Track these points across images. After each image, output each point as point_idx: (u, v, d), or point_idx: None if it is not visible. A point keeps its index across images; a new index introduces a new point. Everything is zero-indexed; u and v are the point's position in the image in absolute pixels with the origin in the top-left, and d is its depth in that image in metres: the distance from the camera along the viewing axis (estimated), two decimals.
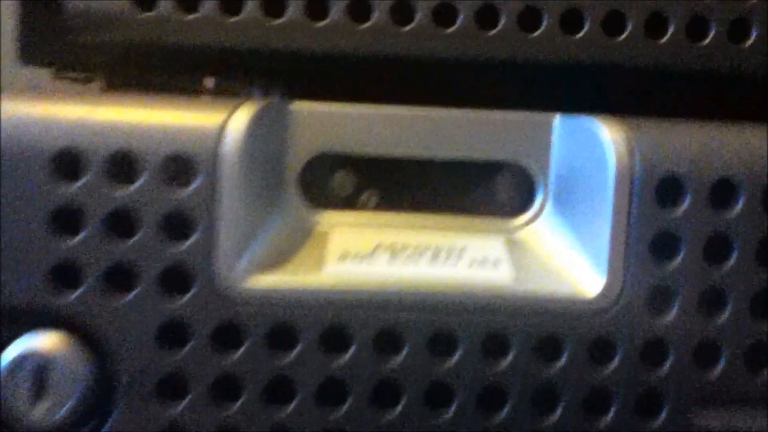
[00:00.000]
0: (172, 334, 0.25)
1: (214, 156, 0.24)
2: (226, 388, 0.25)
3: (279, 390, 0.25)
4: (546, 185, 0.28)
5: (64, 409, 0.24)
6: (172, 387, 0.25)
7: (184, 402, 0.25)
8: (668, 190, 0.25)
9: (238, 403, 0.25)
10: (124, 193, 0.24)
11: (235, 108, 0.24)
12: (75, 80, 0.36)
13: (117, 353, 0.24)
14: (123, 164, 0.24)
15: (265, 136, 0.26)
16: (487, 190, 0.28)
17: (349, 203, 0.28)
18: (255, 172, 0.25)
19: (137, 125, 0.24)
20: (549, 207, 0.28)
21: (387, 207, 0.28)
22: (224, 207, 0.24)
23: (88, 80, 0.37)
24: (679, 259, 0.25)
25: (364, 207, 0.28)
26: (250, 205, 0.25)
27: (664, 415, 0.26)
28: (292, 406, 0.25)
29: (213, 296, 0.24)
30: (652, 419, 0.26)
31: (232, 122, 0.24)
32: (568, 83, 0.29)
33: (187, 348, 0.24)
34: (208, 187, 0.24)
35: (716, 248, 0.25)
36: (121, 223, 0.24)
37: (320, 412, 0.25)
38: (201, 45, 0.28)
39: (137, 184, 0.23)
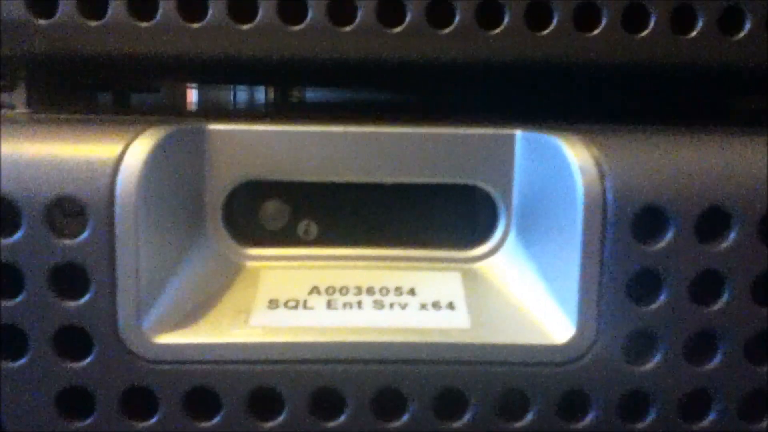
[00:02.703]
0: (77, 401, 0.21)
1: (108, 197, 0.20)
2: None
3: None
4: (508, 212, 0.24)
5: None
6: None
7: None
8: (647, 220, 0.21)
9: None
10: (4, 245, 0.20)
11: (134, 137, 0.21)
12: None
13: (13, 424, 0.21)
14: (4, 212, 0.20)
15: (176, 165, 0.22)
16: (441, 217, 0.25)
17: (284, 237, 0.24)
18: (164, 210, 0.21)
19: (14, 165, 0.20)
20: (512, 237, 0.24)
21: (327, 240, 0.24)
22: (124, 255, 0.20)
23: (9, 89, 0.33)
24: (661, 301, 0.21)
25: (301, 241, 0.24)
26: (160, 249, 0.21)
27: None
28: None
29: (118, 358, 0.21)
30: None
31: (129, 155, 0.20)
32: (533, 88, 0.25)
33: (92, 418, 0.21)
34: (101, 233, 0.20)
35: (705, 287, 0.21)
36: (7, 278, 0.20)
37: None
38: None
39: (17, 235, 0.20)
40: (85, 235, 0.20)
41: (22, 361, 0.21)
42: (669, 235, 0.21)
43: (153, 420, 0.21)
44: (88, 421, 0.21)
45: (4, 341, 0.21)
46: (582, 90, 0.27)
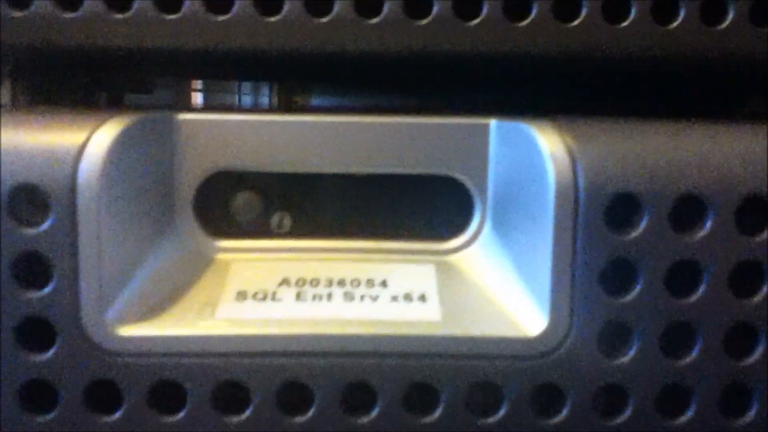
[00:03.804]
0: (40, 395, 0.21)
1: (70, 186, 0.20)
2: None
3: None
4: (483, 203, 0.23)
5: None
6: None
7: None
8: (621, 209, 0.20)
9: None
10: None
11: (98, 126, 0.20)
12: None
13: None
14: None
15: (143, 155, 0.22)
16: (416, 209, 0.24)
17: (257, 229, 0.24)
18: (130, 200, 0.21)
19: None
20: (487, 229, 0.23)
21: (300, 232, 0.24)
22: (87, 245, 0.20)
23: None
24: (636, 291, 0.21)
25: (274, 233, 0.24)
26: (126, 240, 0.21)
27: None
28: None
29: (81, 351, 0.20)
30: None
31: (92, 144, 0.20)
32: (508, 79, 0.25)
33: (55, 411, 0.21)
34: (64, 223, 0.20)
35: (681, 277, 0.21)
36: None
37: None
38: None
39: None
40: (46, 224, 0.20)
41: None
42: (643, 224, 0.20)
43: (117, 414, 0.21)
44: (52, 414, 0.21)
45: None
46: (561, 84, 0.26)
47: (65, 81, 0.36)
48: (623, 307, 0.21)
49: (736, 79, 0.28)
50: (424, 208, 0.24)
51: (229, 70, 0.33)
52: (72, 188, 0.20)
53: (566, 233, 0.20)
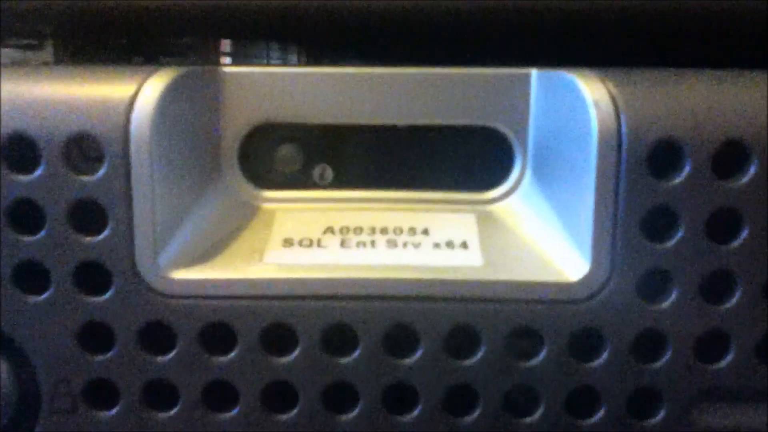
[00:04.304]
0: (96, 336, 0.22)
1: (123, 135, 0.20)
2: (158, 394, 0.22)
3: (218, 395, 0.22)
4: (524, 153, 0.24)
5: None
6: (99, 394, 0.22)
7: (113, 411, 0.22)
8: (663, 156, 0.20)
9: (174, 411, 0.22)
10: (23, 182, 0.20)
11: (147, 77, 0.21)
12: (23, 47, 0.34)
13: (37, 359, 0.22)
14: (23, 150, 0.21)
15: (190, 106, 0.22)
16: (456, 159, 0.24)
17: (300, 180, 0.24)
18: (179, 150, 0.22)
19: (32, 104, 0.20)
20: (527, 178, 0.24)
21: (342, 184, 0.24)
22: (140, 192, 0.21)
23: (37, 48, 0.34)
24: (677, 238, 0.21)
25: (316, 184, 0.24)
26: (176, 188, 0.22)
27: (660, 415, 0.22)
28: (235, 412, 0.22)
29: (136, 293, 0.21)
30: (647, 420, 0.22)
31: (143, 94, 0.21)
32: (544, 33, 0.25)
33: (112, 351, 0.22)
34: (118, 171, 0.20)
35: (722, 224, 0.21)
36: (27, 215, 0.21)
37: (266, 418, 0.22)
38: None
39: (37, 172, 0.20)
40: (101, 172, 0.20)
41: (44, 296, 0.21)
42: (685, 171, 0.20)
43: (170, 355, 0.22)
44: (109, 355, 0.22)
45: (26, 277, 0.21)
46: (589, 37, 0.26)
47: (104, 43, 0.36)
48: (664, 253, 0.21)
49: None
50: (465, 158, 0.25)
51: (257, 28, 0.33)
52: (125, 137, 0.20)
53: (609, 180, 0.21)
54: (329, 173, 0.24)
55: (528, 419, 0.22)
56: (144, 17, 0.25)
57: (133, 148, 0.20)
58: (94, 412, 0.22)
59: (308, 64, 0.30)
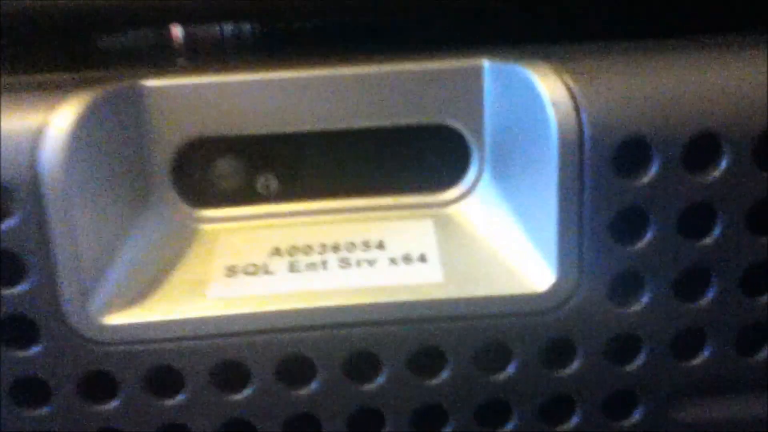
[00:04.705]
0: (35, 390, 0.20)
1: (31, 176, 0.18)
2: None
3: None
4: (481, 150, 0.22)
5: None
6: None
7: None
8: (629, 153, 0.19)
9: None
10: None
11: (54, 105, 0.18)
12: None
13: None
14: None
15: (110, 131, 0.20)
16: (409, 161, 0.23)
17: (242, 195, 0.22)
18: (101, 181, 0.20)
19: None
20: (485, 178, 0.22)
21: (288, 195, 0.22)
22: (59, 236, 0.18)
23: None
24: (648, 238, 0.19)
25: (260, 198, 0.22)
26: (102, 223, 0.20)
27: (638, 414, 0.21)
28: None
29: (68, 344, 0.19)
30: (625, 420, 0.21)
31: (50, 128, 0.18)
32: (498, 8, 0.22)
33: (51, 405, 0.20)
34: (31, 216, 0.18)
35: (695, 219, 0.19)
36: None
37: None
38: None
39: None
40: (13, 220, 0.18)
41: None
42: (654, 168, 0.19)
43: (114, 402, 0.20)
44: (48, 408, 0.20)
45: None
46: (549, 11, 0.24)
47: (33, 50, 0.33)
48: (635, 255, 0.20)
49: None
50: (418, 159, 0.23)
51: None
52: (33, 178, 0.18)
53: (572, 183, 0.19)
54: (274, 184, 0.22)
55: (503, 428, 0.21)
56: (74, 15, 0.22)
57: (44, 189, 0.18)
58: None
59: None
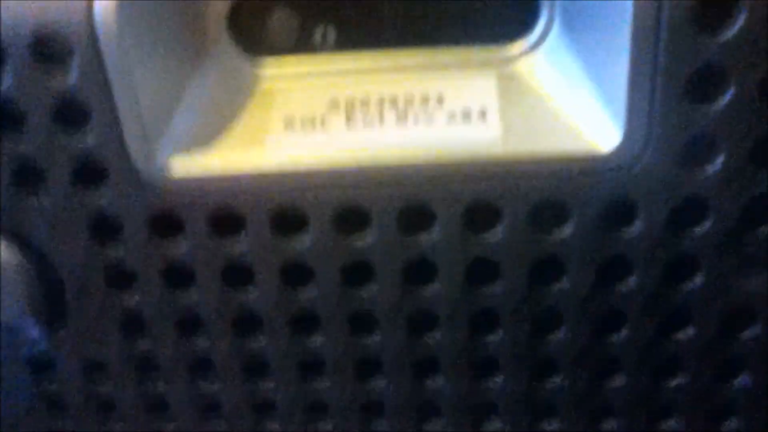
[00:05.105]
0: (109, 228, 0.21)
1: (88, 24, 0.18)
2: (178, 277, 0.22)
3: (236, 277, 0.22)
4: (551, 0, 0.20)
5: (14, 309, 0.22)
6: (119, 279, 0.22)
7: (137, 292, 0.22)
8: (711, 6, 0.17)
9: (195, 289, 0.22)
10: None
11: None
12: None
13: (53, 253, 0.22)
14: None
15: None
16: (473, 11, 0.21)
17: (299, 46, 0.22)
18: (158, 31, 0.19)
19: None
20: (555, 31, 0.20)
21: (345, 45, 0.22)
22: (119, 82, 0.19)
23: None
24: (726, 99, 0.18)
25: (317, 49, 0.22)
26: (160, 72, 0.20)
27: (698, 281, 0.21)
28: (255, 290, 0.22)
29: (135, 187, 0.20)
30: (684, 286, 0.21)
31: None
32: None
33: (123, 244, 0.21)
34: (89, 64, 0.19)
35: None
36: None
37: (285, 297, 0.22)
38: None
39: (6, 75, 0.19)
40: (72, 67, 0.19)
41: (47, 196, 0.21)
42: (738, 24, 0.17)
43: (182, 242, 0.21)
44: (120, 249, 0.22)
45: (25, 177, 0.21)
46: None
47: None
48: (710, 117, 0.18)
49: None
50: (484, 10, 0.21)
51: None
52: (90, 26, 0.18)
53: (647, 34, 0.17)
54: (332, 34, 0.22)
55: (556, 286, 0.21)
56: None
57: (101, 40, 0.18)
58: (117, 294, 0.22)
59: None
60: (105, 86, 0.19)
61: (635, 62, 0.18)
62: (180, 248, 0.21)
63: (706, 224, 0.20)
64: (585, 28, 0.19)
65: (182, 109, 0.20)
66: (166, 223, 0.21)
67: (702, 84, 0.18)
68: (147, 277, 0.22)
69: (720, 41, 0.17)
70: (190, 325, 0.23)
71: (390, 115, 0.20)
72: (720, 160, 0.19)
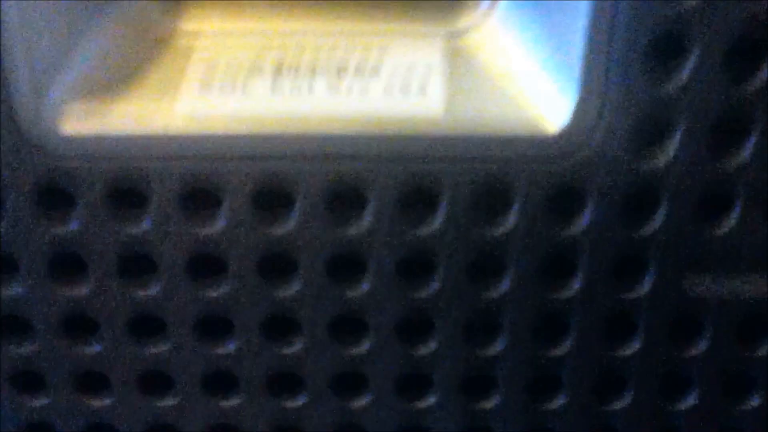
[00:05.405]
0: None
1: None
2: (65, 262, 0.19)
3: (135, 264, 0.19)
4: None
5: None
6: None
7: (16, 278, 0.19)
8: None
9: (89, 282, 0.19)
10: None
11: None
12: None
13: None
14: None
15: None
16: None
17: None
18: None
19: None
20: (505, 2, 0.19)
21: (278, 10, 0.19)
22: (7, 23, 0.16)
23: None
24: (684, 74, 0.17)
25: (248, 6, 0.19)
26: (59, 18, 0.17)
27: (648, 282, 0.19)
28: (157, 284, 0.19)
29: (20, 148, 0.17)
30: (633, 286, 0.19)
31: None
32: None
33: (4, 220, 0.18)
34: None
35: (742, 53, 0.17)
36: None
37: (192, 294, 0.19)
38: None
39: None
40: None
41: None
42: None
43: (71, 222, 0.18)
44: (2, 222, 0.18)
45: None
46: None
47: None
48: (669, 94, 0.17)
49: None
50: None
51: None
52: None
53: (604, 8, 0.16)
54: None
55: (497, 286, 0.19)
56: None
57: None
58: None
59: None
60: None
61: (591, 28, 0.16)
62: (70, 226, 0.18)
63: (658, 219, 0.18)
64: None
65: (81, 58, 0.18)
66: (54, 195, 0.18)
67: (661, 59, 0.17)
68: (30, 261, 0.19)
69: (683, 8, 0.16)
70: (78, 327, 0.20)
71: (321, 83, 0.18)
72: (674, 147, 0.18)
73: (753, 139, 0.17)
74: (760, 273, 0.19)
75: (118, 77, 0.18)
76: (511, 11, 0.19)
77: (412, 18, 0.20)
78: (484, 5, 0.19)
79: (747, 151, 0.18)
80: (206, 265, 0.19)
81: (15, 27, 0.16)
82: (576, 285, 0.19)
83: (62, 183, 0.18)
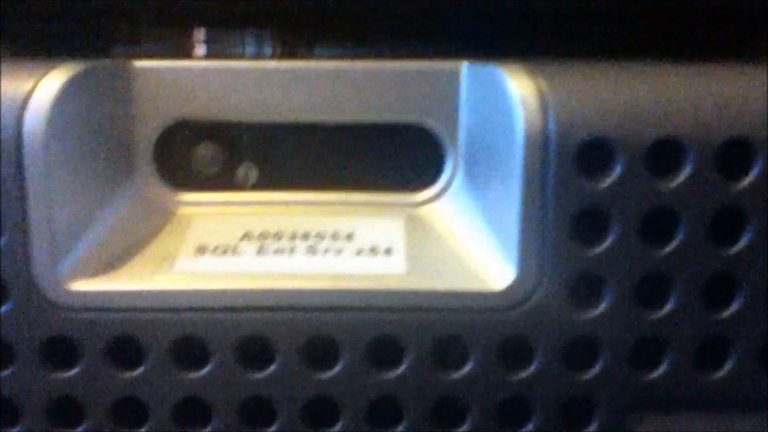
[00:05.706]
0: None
1: (15, 136, 0.19)
2: (64, 411, 0.21)
3: (128, 412, 0.21)
4: (455, 152, 0.22)
5: None
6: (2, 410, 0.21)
7: (17, 429, 0.21)
8: (593, 155, 0.19)
9: (80, 429, 0.21)
10: None
11: (45, 73, 0.19)
12: None
13: None
14: None
15: (96, 103, 0.21)
16: (385, 159, 0.23)
17: (221, 182, 0.23)
18: (83, 151, 0.20)
19: None
20: (459, 179, 0.22)
21: (266, 185, 0.23)
22: (36, 198, 0.19)
23: None
24: (609, 241, 0.20)
25: (238, 186, 0.23)
26: (79, 192, 0.20)
27: (594, 424, 0.21)
28: (143, 430, 0.21)
29: (34, 307, 0.20)
30: (581, 429, 0.21)
31: (38, 92, 0.19)
32: (476, 19, 0.23)
33: (12, 368, 0.20)
34: (11, 175, 0.19)
35: (657, 225, 0.20)
36: None
37: None
38: None
39: None
40: None
41: None
42: (617, 170, 0.19)
43: (74, 370, 0.20)
44: (9, 370, 0.20)
45: None
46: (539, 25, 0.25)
47: (48, 29, 0.34)
48: (595, 257, 0.20)
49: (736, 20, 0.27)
50: (394, 158, 0.23)
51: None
52: (17, 139, 0.19)
53: (535, 181, 0.19)
54: (254, 174, 0.23)
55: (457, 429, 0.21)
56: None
57: (26, 150, 0.19)
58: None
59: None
60: (21, 199, 0.19)
61: (525, 207, 0.20)
62: (71, 378, 0.20)
63: (598, 365, 0.21)
64: (483, 177, 0.21)
65: (95, 230, 0.21)
66: (61, 347, 0.20)
67: (588, 227, 0.20)
68: (31, 411, 0.21)
69: (602, 186, 0.19)
70: None
71: (301, 247, 0.21)
72: (606, 301, 0.20)
73: (677, 292, 0.20)
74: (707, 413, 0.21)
75: (125, 246, 0.21)
76: (463, 187, 0.22)
77: (379, 191, 0.23)
78: (441, 183, 0.22)
79: (670, 304, 0.20)
80: (193, 410, 0.21)
81: (41, 203, 0.19)
82: (530, 426, 0.21)
83: (68, 332, 0.20)
